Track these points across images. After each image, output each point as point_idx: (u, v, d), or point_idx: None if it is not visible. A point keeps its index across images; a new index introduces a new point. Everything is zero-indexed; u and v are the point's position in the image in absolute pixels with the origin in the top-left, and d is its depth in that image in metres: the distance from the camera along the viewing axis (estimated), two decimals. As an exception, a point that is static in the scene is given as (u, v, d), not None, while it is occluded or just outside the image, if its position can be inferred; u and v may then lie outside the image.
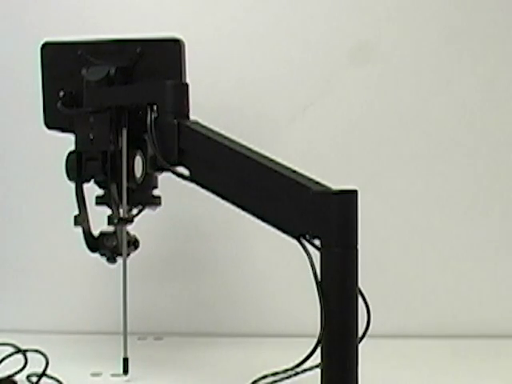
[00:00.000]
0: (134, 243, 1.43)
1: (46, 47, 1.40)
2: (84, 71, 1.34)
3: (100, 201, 1.39)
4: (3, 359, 1.33)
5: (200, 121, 1.27)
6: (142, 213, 1.41)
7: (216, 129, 1.25)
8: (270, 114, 1.77)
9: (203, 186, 1.23)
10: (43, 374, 1.30)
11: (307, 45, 1.76)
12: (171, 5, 1.79)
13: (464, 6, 1.74)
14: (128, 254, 1.40)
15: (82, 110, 1.35)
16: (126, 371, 1.40)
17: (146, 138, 1.27)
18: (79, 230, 1.38)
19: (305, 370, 1.11)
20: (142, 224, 1.41)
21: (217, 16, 1.77)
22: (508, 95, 1.74)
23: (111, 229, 1.39)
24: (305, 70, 1.76)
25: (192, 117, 1.29)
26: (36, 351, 1.33)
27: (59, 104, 1.36)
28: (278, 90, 1.76)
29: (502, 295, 1.73)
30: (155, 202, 1.41)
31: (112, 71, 1.33)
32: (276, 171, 1.14)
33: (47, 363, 1.30)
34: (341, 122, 1.76)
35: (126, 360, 1.40)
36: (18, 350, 1.36)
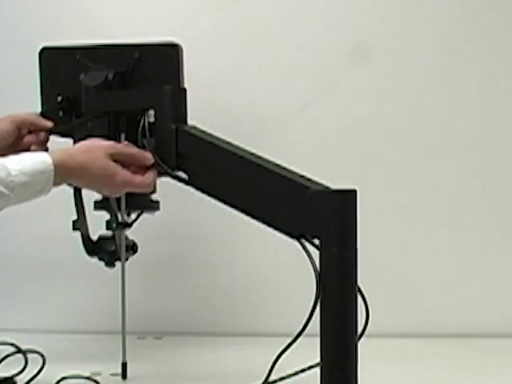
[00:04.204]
0: (132, 247, 1.43)
1: (44, 52, 1.40)
2: (82, 76, 1.34)
3: (98, 206, 1.39)
4: (3, 359, 1.34)
5: (198, 125, 1.28)
6: (141, 217, 1.42)
7: (211, 131, 1.26)
8: (269, 114, 1.77)
9: (202, 190, 1.23)
10: (38, 373, 1.31)
11: (306, 45, 1.76)
12: (169, 9, 1.79)
13: (464, 7, 1.75)
14: (126, 259, 1.41)
15: (82, 119, 1.35)
16: (124, 376, 1.40)
17: (145, 142, 1.28)
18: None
19: (304, 370, 1.11)
20: (141, 228, 1.41)
21: (215, 17, 1.78)
22: (507, 95, 1.75)
23: (110, 233, 1.40)
24: (303, 70, 1.76)
25: (189, 118, 1.30)
26: (34, 351, 1.33)
27: (60, 113, 1.37)
28: (276, 91, 1.77)
29: (501, 295, 1.74)
30: (154, 206, 1.41)
31: (110, 76, 1.33)
32: (274, 172, 1.14)
33: (44, 363, 1.31)
34: (340, 121, 1.77)
35: (124, 365, 1.40)
36: (18, 350, 1.37)
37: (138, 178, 1.22)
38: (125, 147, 1.26)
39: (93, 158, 1.18)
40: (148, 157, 1.24)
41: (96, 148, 1.20)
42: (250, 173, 1.17)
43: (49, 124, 1.36)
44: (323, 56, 1.76)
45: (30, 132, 1.37)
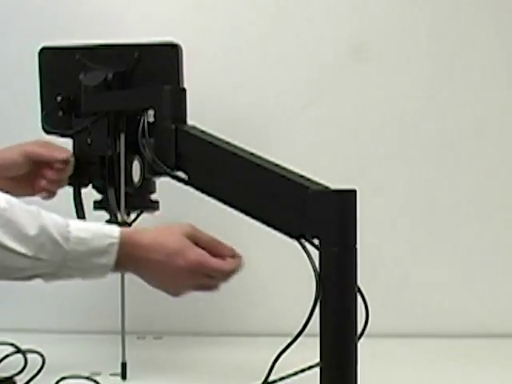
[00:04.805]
0: (131, 247, 1.43)
1: (43, 52, 1.41)
2: (82, 76, 1.35)
3: (98, 206, 1.39)
4: (3, 359, 1.34)
5: (198, 125, 1.28)
6: (140, 217, 1.42)
7: (211, 131, 1.26)
8: (269, 114, 1.77)
9: (202, 190, 1.23)
10: (37, 373, 1.30)
11: (306, 45, 1.76)
12: (168, 9, 1.79)
13: (463, 7, 1.74)
14: (126, 259, 1.40)
15: (83, 121, 1.35)
16: (124, 376, 1.40)
17: (143, 142, 1.28)
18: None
19: (304, 370, 1.11)
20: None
21: (215, 17, 1.77)
22: (506, 95, 1.75)
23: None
24: (302, 70, 1.76)
25: (189, 118, 1.30)
26: (34, 351, 1.33)
27: (60, 113, 1.37)
28: (275, 91, 1.77)
29: (501, 295, 1.74)
30: (153, 206, 1.42)
31: (109, 76, 1.34)
32: (274, 172, 1.14)
33: (43, 363, 1.30)
34: (339, 122, 1.77)
35: (124, 365, 1.40)
36: (18, 350, 1.37)
37: (215, 260, 1.15)
38: (204, 232, 1.20)
39: (168, 233, 1.14)
40: (229, 247, 1.19)
41: (174, 226, 1.16)
42: (249, 173, 1.17)
43: (63, 155, 1.32)
44: (323, 56, 1.76)
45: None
